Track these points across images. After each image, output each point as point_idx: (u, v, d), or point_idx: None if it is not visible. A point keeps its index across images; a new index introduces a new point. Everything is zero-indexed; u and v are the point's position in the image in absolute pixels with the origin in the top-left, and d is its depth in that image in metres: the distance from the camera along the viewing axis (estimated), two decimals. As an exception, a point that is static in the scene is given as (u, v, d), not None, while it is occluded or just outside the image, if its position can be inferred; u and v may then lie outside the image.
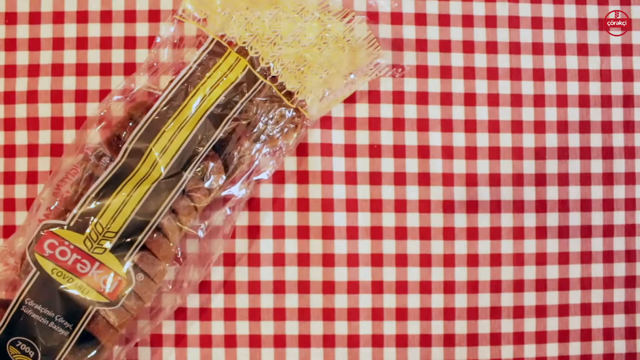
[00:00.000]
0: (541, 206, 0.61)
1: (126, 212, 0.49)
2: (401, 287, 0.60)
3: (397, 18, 0.61)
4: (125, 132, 0.52)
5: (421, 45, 0.61)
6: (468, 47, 0.61)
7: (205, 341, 0.60)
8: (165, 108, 0.52)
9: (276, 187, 0.60)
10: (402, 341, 0.60)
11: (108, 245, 0.48)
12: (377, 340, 0.60)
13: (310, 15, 0.54)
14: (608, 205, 0.61)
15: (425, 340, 0.60)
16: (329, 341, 0.60)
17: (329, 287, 0.60)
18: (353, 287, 0.60)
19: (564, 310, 0.60)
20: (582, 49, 0.61)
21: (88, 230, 0.48)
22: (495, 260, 0.60)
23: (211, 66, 0.52)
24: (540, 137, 0.61)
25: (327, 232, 0.60)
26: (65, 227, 0.48)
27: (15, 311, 0.48)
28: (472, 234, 0.60)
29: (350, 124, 0.60)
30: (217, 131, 0.52)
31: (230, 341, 0.60)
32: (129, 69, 0.60)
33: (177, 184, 0.50)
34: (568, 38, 0.61)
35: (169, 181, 0.50)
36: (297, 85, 0.53)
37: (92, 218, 0.49)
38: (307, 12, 0.54)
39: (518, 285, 0.60)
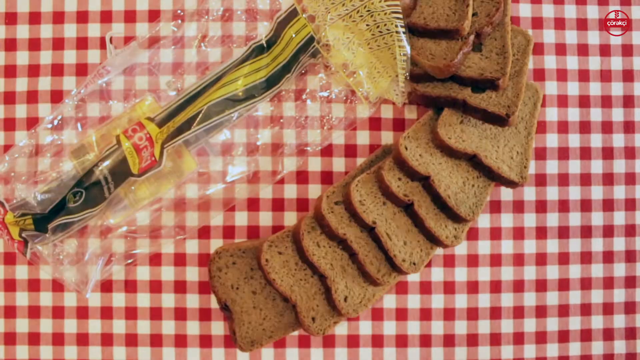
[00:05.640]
0: (541, 206, 0.61)
1: (189, 113, 0.58)
2: (401, 287, 0.60)
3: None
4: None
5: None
6: (468, 47, 0.61)
7: (205, 341, 0.60)
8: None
9: (276, 187, 0.60)
10: (402, 341, 0.60)
11: (165, 133, 0.57)
12: (377, 340, 0.60)
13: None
14: (608, 205, 0.61)
15: (425, 340, 0.60)
16: (329, 341, 0.60)
17: (329, 287, 0.60)
18: (353, 287, 0.60)
19: (564, 310, 0.60)
20: (582, 49, 0.61)
21: (164, 127, 0.57)
22: (496, 260, 0.60)
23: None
24: (541, 137, 0.61)
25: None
26: (153, 121, 0.58)
27: (89, 169, 0.57)
28: (473, 234, 0.60)
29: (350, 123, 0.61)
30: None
31: (230, 341, 0.60)
32: (129, 68, 0.60)
33: (237, 105, 0.59)
34: (568, 38, 0.61)
35: (237, 100, 0.59)
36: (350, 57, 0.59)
37: (171, 118, 0.58)
38: None
39: (518, 285, 0.60)
